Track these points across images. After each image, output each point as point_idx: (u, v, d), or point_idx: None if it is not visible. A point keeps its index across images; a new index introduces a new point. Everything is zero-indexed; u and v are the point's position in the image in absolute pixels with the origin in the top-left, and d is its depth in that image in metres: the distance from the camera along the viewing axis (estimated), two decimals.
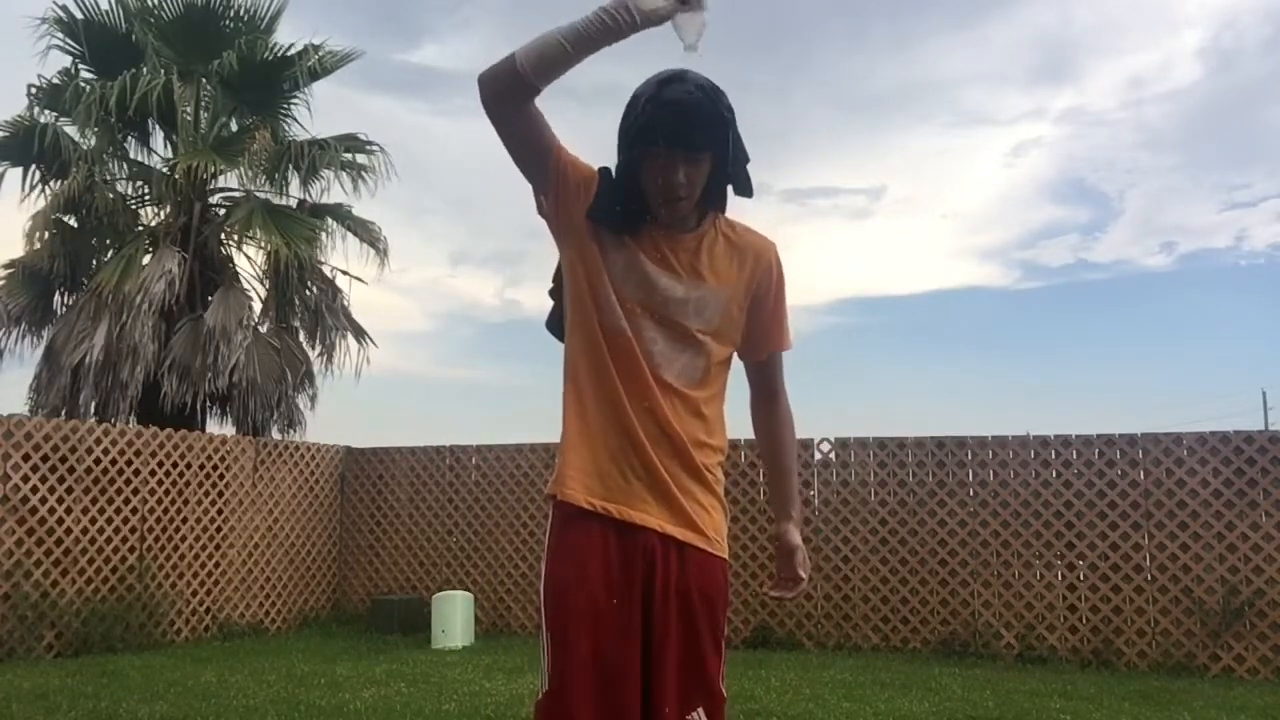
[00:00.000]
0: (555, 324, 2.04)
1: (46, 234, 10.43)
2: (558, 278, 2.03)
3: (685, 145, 1.79)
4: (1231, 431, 7.66)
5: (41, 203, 10.61)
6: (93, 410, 9.88)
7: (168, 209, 10.96)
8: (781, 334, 2.02)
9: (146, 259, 10.27)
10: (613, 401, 1.85)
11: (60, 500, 7.72)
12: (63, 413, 9.68)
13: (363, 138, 11.41)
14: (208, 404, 10.25)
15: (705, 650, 1.81)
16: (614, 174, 1.88)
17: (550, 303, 2.08)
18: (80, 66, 10.84)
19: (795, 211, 38.40)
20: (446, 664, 7.34)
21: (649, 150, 1.81)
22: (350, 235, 11.38)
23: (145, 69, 10.52)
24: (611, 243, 1.87)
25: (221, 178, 11.02)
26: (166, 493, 8.51)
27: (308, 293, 11.10)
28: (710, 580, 1.85)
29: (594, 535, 1.81)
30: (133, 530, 8.23)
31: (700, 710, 1.79)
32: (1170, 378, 63.60)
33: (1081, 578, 7.83)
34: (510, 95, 1.80)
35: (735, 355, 2.01)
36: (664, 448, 1.84)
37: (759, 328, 1.99)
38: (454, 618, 8.48)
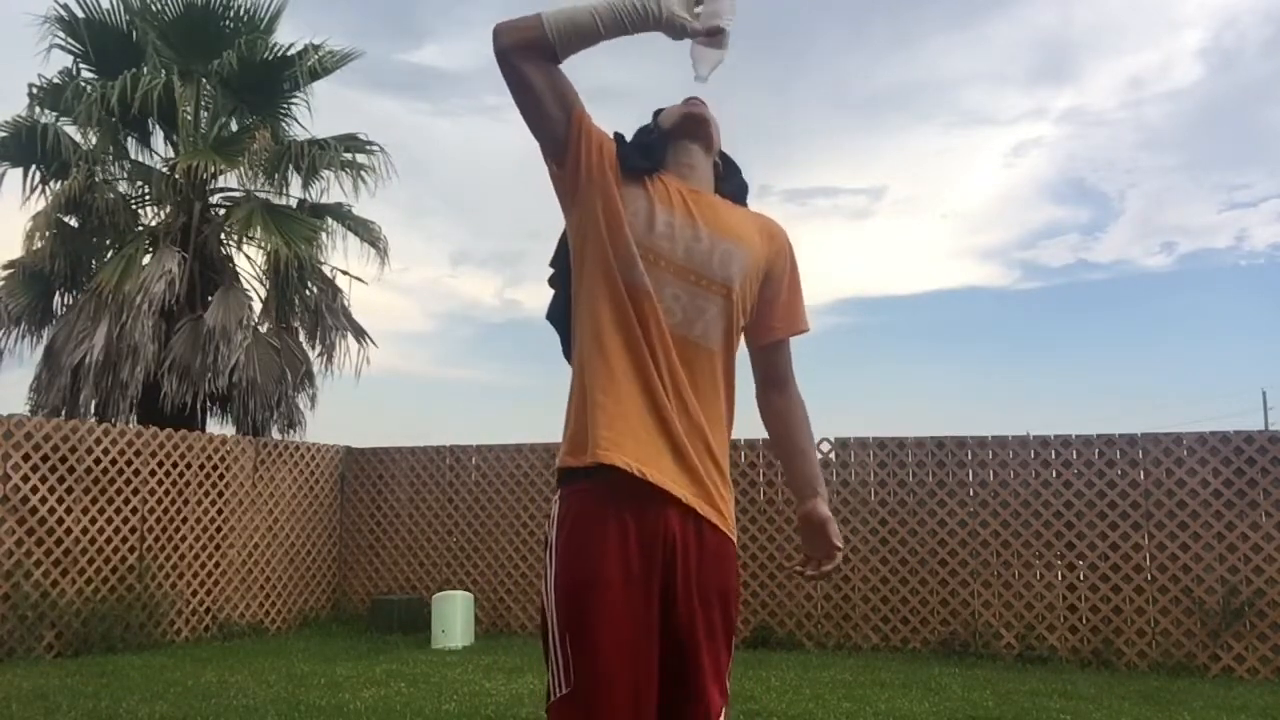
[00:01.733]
0: (558, 315, 1.97)
1: (47, 234, 10.43)
2: (556, 261, 1.98)
3: (700, 102, 1.98)
4: (1231, 431, 7.67)
5: (42, 203, 10.63)
6: (93, 410, 9.88)
7: (168, 209, 10.96)
8: (800, 315, 2.00)
9: (146, 259, 10.27)
10: (638, 360, 1.78)
11: (60, 500, 7.73)
12: (63, 413, 9.68)
13: (363, 138, 11.41)
14: (208, 404, 10.24)
15: (720, 649, 1.78)
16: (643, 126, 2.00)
17: (550, 294, 2.01)
18: (81, 66, 10.85)
19: (795, 211, 38.47)
20: (446, 664, 7.34)
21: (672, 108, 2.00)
22: (350, 235, 11.38)
23: (146, 69, 10.52)
24: (632, 196, 1.84)
25: (221, 178, 11.03)
26: (166, 493, 8.51)
27: (308, 293, 11.10)
28: (725, 574, 1.82)
29: (610, 523, 1.72)
30: (133, 530, 8.23)
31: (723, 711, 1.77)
32: (1170, 378, 63.69)
33: (1081, 578, 7.83)
34: (528, 53, 1.81)
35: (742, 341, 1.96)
36: (684, 417, 1.79)
37: (777, 308, 1.96)
38: (454, 618, 8.48)
